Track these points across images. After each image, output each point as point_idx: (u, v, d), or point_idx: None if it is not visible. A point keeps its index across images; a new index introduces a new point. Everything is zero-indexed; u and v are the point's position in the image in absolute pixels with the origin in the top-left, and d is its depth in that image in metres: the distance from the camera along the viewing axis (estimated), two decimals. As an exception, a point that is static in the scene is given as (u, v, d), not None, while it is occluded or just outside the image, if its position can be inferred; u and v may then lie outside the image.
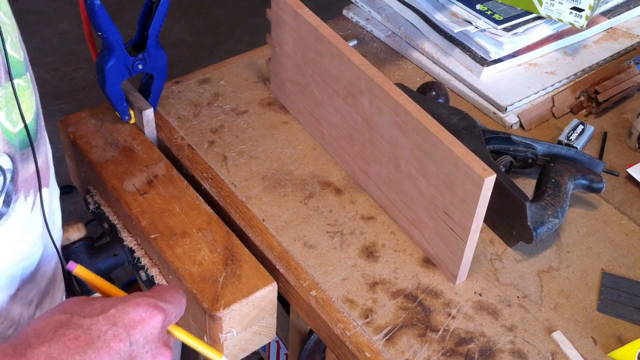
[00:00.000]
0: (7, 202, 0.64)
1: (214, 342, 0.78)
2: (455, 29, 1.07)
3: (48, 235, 0.73)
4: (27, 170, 0.67)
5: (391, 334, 0.75)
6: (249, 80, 1.06)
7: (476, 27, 1.08)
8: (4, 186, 0.63)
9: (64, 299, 0.80)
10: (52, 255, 0.75)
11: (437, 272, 0.81)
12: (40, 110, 0.70)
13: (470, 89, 1.06)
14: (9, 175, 0.63)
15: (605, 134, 1.01)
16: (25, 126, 0.65)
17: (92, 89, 2.54)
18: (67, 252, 0.90)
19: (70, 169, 1.00)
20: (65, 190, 2.12)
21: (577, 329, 0.77)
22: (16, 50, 0.64)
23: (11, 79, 0.62)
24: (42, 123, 0.71)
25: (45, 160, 0.72)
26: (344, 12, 1.22)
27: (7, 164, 0.63)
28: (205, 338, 0.78)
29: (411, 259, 0.83)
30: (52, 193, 0.74)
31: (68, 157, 0.99)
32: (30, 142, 0.66)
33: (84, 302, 0.54)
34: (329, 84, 0.88)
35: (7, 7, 0.64)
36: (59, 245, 0.76)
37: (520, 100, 1.03)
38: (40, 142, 0.70)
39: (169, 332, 0.57)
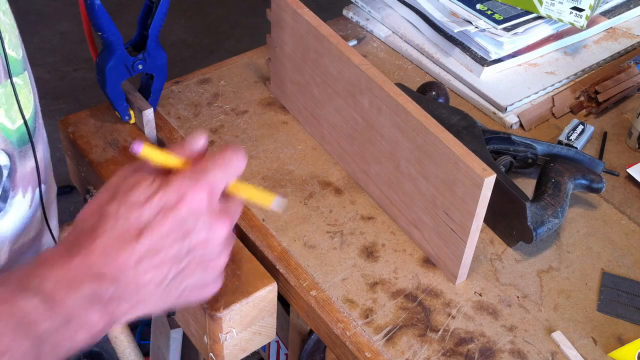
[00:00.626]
0: (4, 198, 0.64)
1: (214, 342, 0.78)
2: (455, 29, 1.07)
3: (48, 230, 0.73)
4: (25, 167, 0.67)
5: (391, 334, 0.75)
6: (249, 80, 1.06)
7: (476, 27, 1.08)
8: (0, 182, 0.63)
9: None
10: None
11: (437, 272, 0.81)
12: (39, 108, 0.71)
13: (470, 89, 1.06)
14: (5, 172, 0.63)
15: (605, 134, 1.01)
16: (25, 123, 0.65)
17: (92, 89, 2.54)
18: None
19: (70, 169, 1.00)
20: (65, 190, 2.12)
21: (577, 329, 0.77)
22: (14, 49, 0.64)
23: (10, 78, 0.62)
24: (41, 121, 0.71)
25: (44, 157, 0.72)
26: (344, 12, 1.22)
27: (4, 160, 0.63)
28: (205, 338, 0.78)
29: (411, 259, 0.83)
30: (50, 189, 0.74)
31: (68, 157, 0.99)
32: (29, 139, 0.66)
33: (130, 187, 0.54)
34: (329, 84, 0.88)
35: (6, 6, 0.65)
36: (58, 240, 0.76)
37: (520, 100, 1.03)
38: (39, 139, 0.70)
39: (227, 193, 0.58)
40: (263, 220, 0.85)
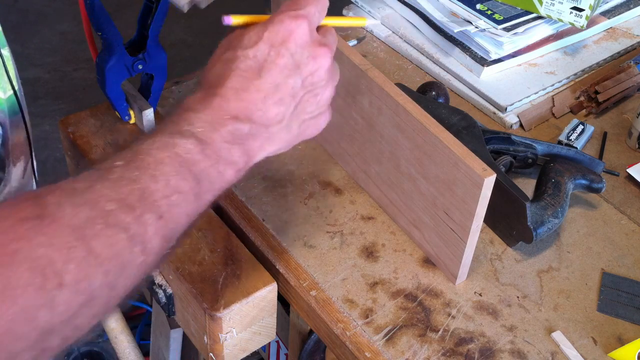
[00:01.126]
0: (2, 167, 0.65)
1: (214, 342, 0.78)
2: (455, 29, 1.07)
3: None
4: (18, 136, 0.68)
5: (391, 334, 0.75)
6: (249, 80, 1.06)
7: (476, 27, 1.08)
8: None
9: None
10: None
11: (437, 272, 0.81)
12: (20, 83, 0.72)
13: (470, 89, 1.06)
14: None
15: (605, 134, 1.01)
16: (15, 93, 0.66)
17: (92, 89, 2.53)
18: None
19: (70, 169, 1.00)
20: (65, 190, 2.12)
21: (577, 329, 0.77)
22: None
23: None
24: (23, 94, 0.72)
25: (30, 128, 0.73)
26: (344, 12, 1.22)
27: None
28: (205, 338, 0.78)
29: (411, 259, 0.83)
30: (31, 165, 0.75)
31: (68, 157, 0.99)
32: (20, 109, 0.67)
33: (240, 35, 0.59)
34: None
35: None
36: None
37: (520, 100, 1.03)
38: (25, 112, 0.70)
39: (321, 27, 0.63)
40: (263, 220, 0.85)
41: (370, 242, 0.84)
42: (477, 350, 0.74)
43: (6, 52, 0.66)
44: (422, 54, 1.12)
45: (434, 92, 0.96)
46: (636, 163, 0.95)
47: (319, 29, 0.62)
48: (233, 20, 0.61)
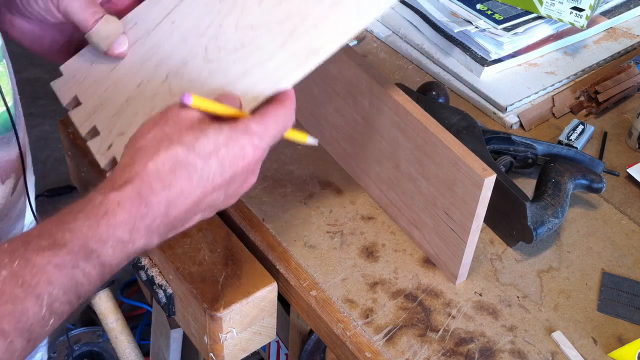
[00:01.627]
0: None
1: (214, 342, 0.78)
2: (455, 29, 1.07)
3: (32, 216, 0.73)
4: (9, 153, 0.67)
5: (391, 334, 0.75)
6: (249, 80, 1.06)
7: (476, 27, 1.08)
8: None
9: None
10: None
11: (437, 272, 0.81)
12: (18, 97, 0.70)
13: (470, 89, 1.06)
14: None
15: (605, 134, 1.01)
16: (8, 110, 0.65)
17: (92, 89, 2.53)
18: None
19: (70, 169, 1.00)
20: (66, 191, 2.12)
21: (577, 329, 0.77)
22: None
23: None
24: (20, 109, 0.71)
25: (24, 145, 0.72)
26: (344, 12, 1.21)
27: None
28: (205, 338, 0.78)
29: (411, 259, 0.83)
30: (30, 177, 0.74)
31: (68, 157, 0.99)
32: (12, 126, 0.66)
33: (199, 132, 0.55)
34: (329, 84, 0.88)
35: None
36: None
37: (520, 100, 1.03)
38: (20, 127, 0.69)
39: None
40: (263, 220, 0.85)
41: (371, 242, 0.84)
42: (477, 350, 0.74)
43: (1, 68, 0.64)
44: (422, 54, 1.12)
45: (434, 92, 0.96)
46: (636, 163, 0.95)
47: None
48: (192, 101, 0.56)
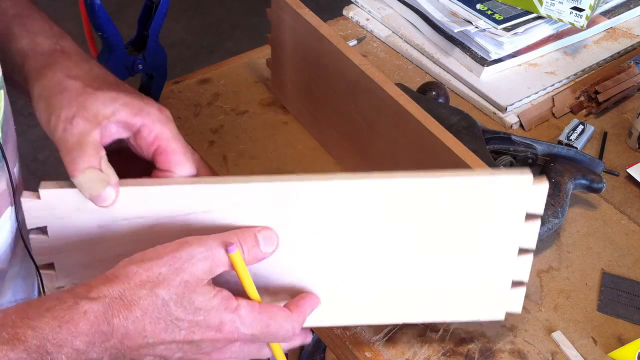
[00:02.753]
0: None
1: (214, 342, 0.77)
2: (455, 29, 1.07)
3: (24, 248, 0.70)
4: None
5: (391, 334, 0.75)
6: (249, 80, 1.06)
7: (476, 27, 1.08)
8: None
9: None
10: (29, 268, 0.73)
11: (437, 272, 0.81)
12: (9, 108, 0.65)
13: (470, 89, 1.06)
14: None
15: (605, 134, 1.01)
16: None
17: (92, 89, 2.53)
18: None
19: (70, 169, 1.00)
20: (65, 190, 2.12)
21: (577, 329, 0.77)
22: None
23: None
24: (11, 121, 0.66)
25: (18, 171, 0.68)
26: (344, 12, 1.22)
27: None
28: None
29: (411, 259, 0.82)
30: (12, 215, 0.69)
31: (68, 157, 0.98)
32: (3, 156, 0.62)
33: (194, 292, 0.54)
34: (329, 84, 0.88)
35: None
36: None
37: (520, 100, 1.03)
38: (9, 146, 0.65)
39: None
40: (263, 220, 0.85)
41: (370, 242, 0.84)
42: (477, 350, 0.74)
43: None
44: (422, 54, 1.12)
45: (434, 92, 0.96)
46: (636, 163, 0.95)
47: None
48: (235, 254, 0.56)
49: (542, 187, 0.60)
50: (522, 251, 0.64)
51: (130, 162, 0.63)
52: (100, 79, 0.62)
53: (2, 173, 0.63)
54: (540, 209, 0.61)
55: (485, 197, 0.60)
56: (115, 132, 0.61)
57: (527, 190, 0.60)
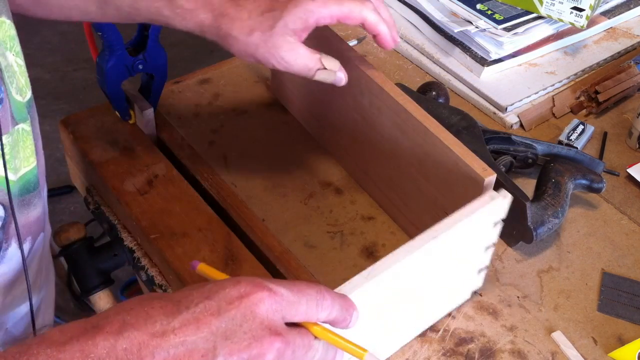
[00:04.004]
0: None
1: (214, 342, 0.77)
2: (455, 29, 1.07)
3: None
4: (28, 216, 0.64)
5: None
6: (249, 80, 1.06)
7: (476, 27, 1.08)
8: None
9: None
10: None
11: (437, 272, 0.81)
12: (42, 155, 0.68)
13: (470, 89, 1.06)
14: None
15: (605, 134, 1.01)
16: (29, 171, 0.63)
17: (92, 89, 2.53)
18: (67, 252, 0.90)
19: (70, 169, 1.00)
20: (66, 190, 2.12)
21: (577, 329, 0.77)
22: (21, 92, 0.61)
23: (15, 125, 0.59)
24: (42, 161, 0.68)
25: (45, 204, 0.69)
26: (344, 12, 1.21)
27: None
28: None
29: (411, 259, 0.83)
30: (47, 235, 0.71)
31: (68, 157, 0.99)
32: (38, 186, 0.63)
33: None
34: (329, 84, 0.87)
35: (19, 48, 0.61)
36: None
37: (521, 100, 1.03)
38: (42, 181, 0.67)
39: (302, 326, 0.50)
40: (263, 220, 0.85)
41: (371, 242, 0.84)
42: (477, 350, 0.74)
43: (26, 126, 0.62)
44: (422, 54, 1.12)
45: (434, 92, 0.96)
46: (636, 163, 0.95)
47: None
48: (199, 267, 0.55)
49: (507, 200, 0.68)
50: (487, 247, 0.73)
51: None
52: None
53: (40, 200, 0.65)
54: (503, 215, 0.70)
55: (470, 229, 0.68)
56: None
57: (498, 209, 0.69)
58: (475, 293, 0.79)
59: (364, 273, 0.59)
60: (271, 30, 0.67)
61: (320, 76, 0.72)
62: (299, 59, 0.69)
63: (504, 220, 0.71)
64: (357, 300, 0.56)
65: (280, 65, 0.70)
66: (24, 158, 0.62)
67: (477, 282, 0.78)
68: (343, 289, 0.57)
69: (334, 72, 0.72)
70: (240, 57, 0.70)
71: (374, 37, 0.73)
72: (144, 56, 0.88)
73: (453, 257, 0.69)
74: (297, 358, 0.49)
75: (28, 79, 0.64)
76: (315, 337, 0.51)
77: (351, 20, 0.70)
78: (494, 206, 0.68)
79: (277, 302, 0.48)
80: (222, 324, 0.46)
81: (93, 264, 0.89)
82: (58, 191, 2.06)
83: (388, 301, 0.65)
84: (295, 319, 0.50)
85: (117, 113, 0.94)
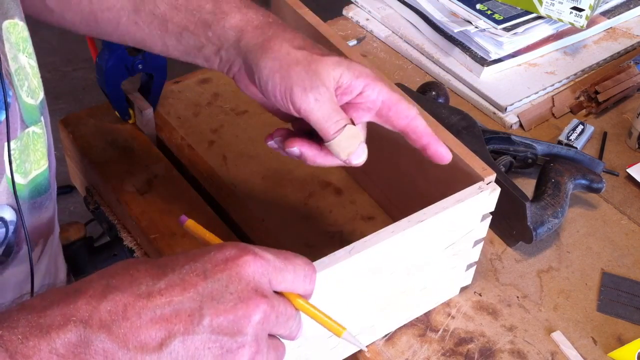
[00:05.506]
0: (7, 253, 0.61)
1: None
2: (455, 29, 1.07)
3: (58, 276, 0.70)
4: (39, 219, 0.64)
5: (391, 334, 0.75)
6: (249, 80, 1.06)
7: (476, 27, 1.08)
8: (5, 238, 0.59)
9: None
10: None
11: (437, 272, 0.81)
12: (53, 156, 0.67)
13: (470, 89, 1.06)
14: (11, 227, 0.60)
15: (605, 134, 1.01)
16: (42, 173, 0.63)
17: (92, 89, 2.53)
18: (67, 252, 0.90)
19: (70, 169, 1.00)
20: (65, 190, 2.12)
21: (577, 329, 0.77)
22: (32, 95, 0.61)
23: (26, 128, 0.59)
24: (54, 172, 0.68)
25: (55, 205, 0.69)
26: (344, 12, 1.22)
27: (10, 216, 0.59)
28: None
29: (411, 259, 0.83)
30: (55, 237, 0.71)
31: (68, 157, 0.99)
32: (48, 189, 0.63)
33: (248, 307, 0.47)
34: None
35: (31, 49, 0.61)
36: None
37: (520, 100, 1.03)
38: (53, 188, 0.67)
39: (283, 295, 0.50)
40: (263, 220, 0.85)
41: (370, 242, 0.84)
42: (477, 350, 0.74)
43: (37, 129, 0.61)
44: (422, 54, 1.12)
45: (434, 92, 0.96)
46: (636, 163, 0.95)
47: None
48: (186, 223, 0.55)
49: (496, 193, 0.69)
50: (476, 242, 0.74)
51: None
52: (314, 45, 0.64)
53: (51, 202, 0.65)
54: (491, 208, 0.71)
55: (457, 217, 0.69)
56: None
57: (486, 201, 0.70)
58: (464, 289, 0.79)
59: (347, 248, 0.60)
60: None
61: (334, 147, 0.64)
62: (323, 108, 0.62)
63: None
64: (337, 275, 0.58)
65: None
66: (35, 161, 0.62)
67: (467, 278, 0.78)
68: (325, 261, 0.58)
69: (349, 148, 0.64)
70: (261, 80, 0.64)
71: (423, 149, 0.67)
72: (143, 56, 0.88)
73: (439, 245, 0.69)
74: (279, 324, 0.49)
75: (40, 80, 0.63)
76: (296, 309, 0.51)
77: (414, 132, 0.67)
78: (482, 197, 0.68)
79: (263, 265, 0.48)
80: (209, 285, 0.46)
81: (93, 263, 0.90)
82: (58, 191, 2.06)
83: (372, 282, 0.65)
84: (281, 286, 0.50)
85: (116, 113, 0.94)
